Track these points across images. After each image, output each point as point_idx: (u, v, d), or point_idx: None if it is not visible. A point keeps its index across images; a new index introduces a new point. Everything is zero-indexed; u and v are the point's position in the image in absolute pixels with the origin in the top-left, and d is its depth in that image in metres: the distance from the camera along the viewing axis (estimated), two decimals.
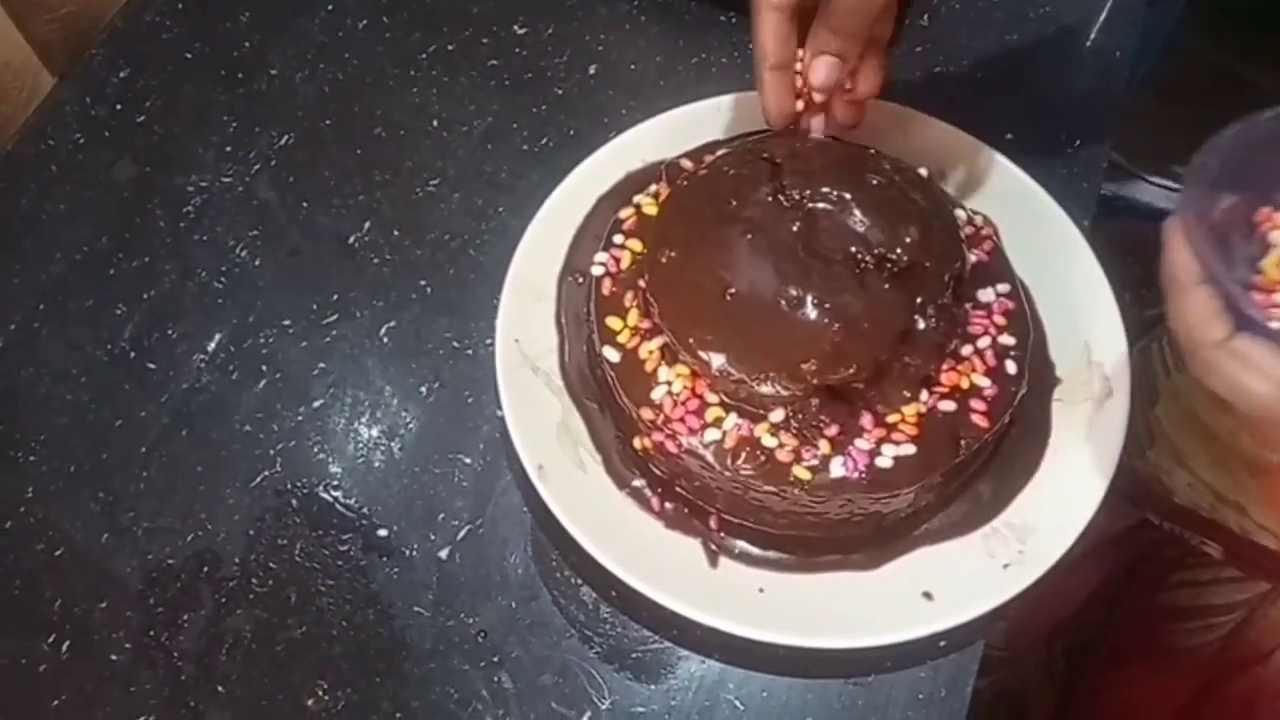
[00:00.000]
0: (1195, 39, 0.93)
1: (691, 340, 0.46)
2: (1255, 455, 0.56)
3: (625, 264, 0.51)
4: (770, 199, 0.48)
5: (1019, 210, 0.55)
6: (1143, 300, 1.00)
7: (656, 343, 0.48)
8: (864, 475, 0.45)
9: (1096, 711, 0.73)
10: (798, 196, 0.48)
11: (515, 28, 0.66)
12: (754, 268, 0.46)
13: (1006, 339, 0.49)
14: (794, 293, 0.46)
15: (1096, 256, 0.55)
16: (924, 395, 0.47)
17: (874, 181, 0.48)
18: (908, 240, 0.46)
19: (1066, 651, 0.80)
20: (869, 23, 0.45)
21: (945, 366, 0.48)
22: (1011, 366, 0.49)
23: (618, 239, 0.52)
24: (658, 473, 0.49)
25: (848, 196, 0.47)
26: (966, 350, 0.48)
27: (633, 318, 0.49)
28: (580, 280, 0.53)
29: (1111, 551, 0.72)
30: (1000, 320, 0.50)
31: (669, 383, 0.47)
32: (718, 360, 0.45)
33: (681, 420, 0.46)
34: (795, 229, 0.47)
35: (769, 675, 0.48)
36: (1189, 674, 0.68)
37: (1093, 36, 0.67)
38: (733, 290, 0.46)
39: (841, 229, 0.47)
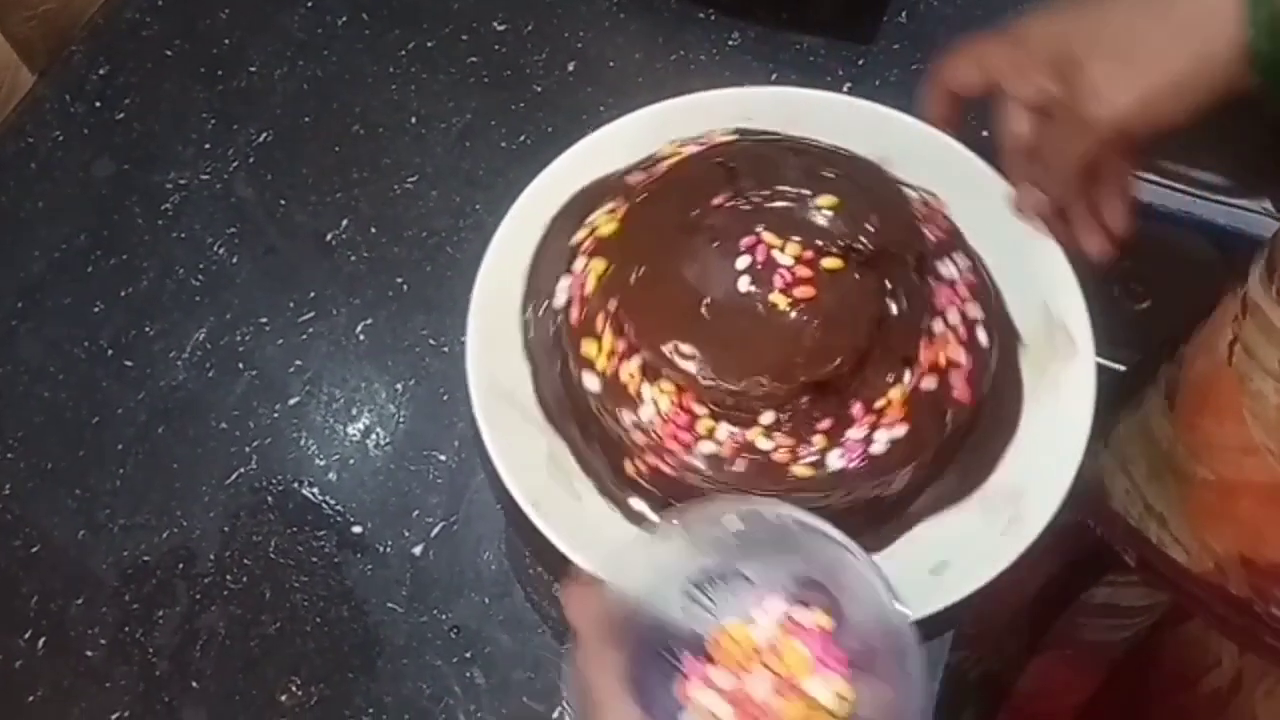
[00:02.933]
0: None
1: (674, 355, 0.45)
2: (1186, 466, 0.57)
3: (590, 287, 0.50)
4: (730, 204, 0.48)
5: (967, 185, 0.55)
6: (1133, 295, 1.01)
7: (635, 363, 0.47)
8: (862, 463, 0.46)
9: (1011, 694, 0.73)
10: (757, 199, 0.48)
11: (495, 25, 0.66)
12: (725, 273, 0.46)
13: (973, 310, 0.49)
14: (768, 293, 0.46)
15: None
16: (906, 376, 0.47)
17: (828, 175, 0.48)
18: (869, 228, 0.46)
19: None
20: (1075, 177, 0.48)
21: (922, 345, 0.48)
22: (983, 336, 0.49)
23: (578, 263, 0.51)
24: (652, 490, 0.49)
25: (805, 193, 0.48)
26: (938, 327, 0.48)
27: (607, 341, 0.48)
28: (545, 307, 0.52)
29: (1070, 542, 0.73)
30: (965, 292, 0.50)
31: (655, 401, 0.47)
32: (704, 371, 0.45)
33: (674, 438, 0.46)
34: (760, 230, 0.47)
35: None
36: (1094, 670, 0.68)
37: None
38: (707, 300, 0.46)
39: (804, 225, 0.47)
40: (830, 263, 0.47)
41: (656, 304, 0.47)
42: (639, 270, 0.47)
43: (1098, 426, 0.50)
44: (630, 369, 0.47)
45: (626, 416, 0.47)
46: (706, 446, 0.46)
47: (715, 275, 0.46)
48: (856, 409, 0.46)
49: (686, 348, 0.46)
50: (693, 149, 0.52)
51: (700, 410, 0.46)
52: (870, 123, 0.56)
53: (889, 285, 0.47)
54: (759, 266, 0.47)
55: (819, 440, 0.46)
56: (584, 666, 0.36)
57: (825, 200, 0.47)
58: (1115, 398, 0.74)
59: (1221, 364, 0.53)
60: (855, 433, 0.46)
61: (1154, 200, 0.96)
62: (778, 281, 0.46)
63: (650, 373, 0.47)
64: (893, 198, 0.49)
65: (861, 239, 0.46)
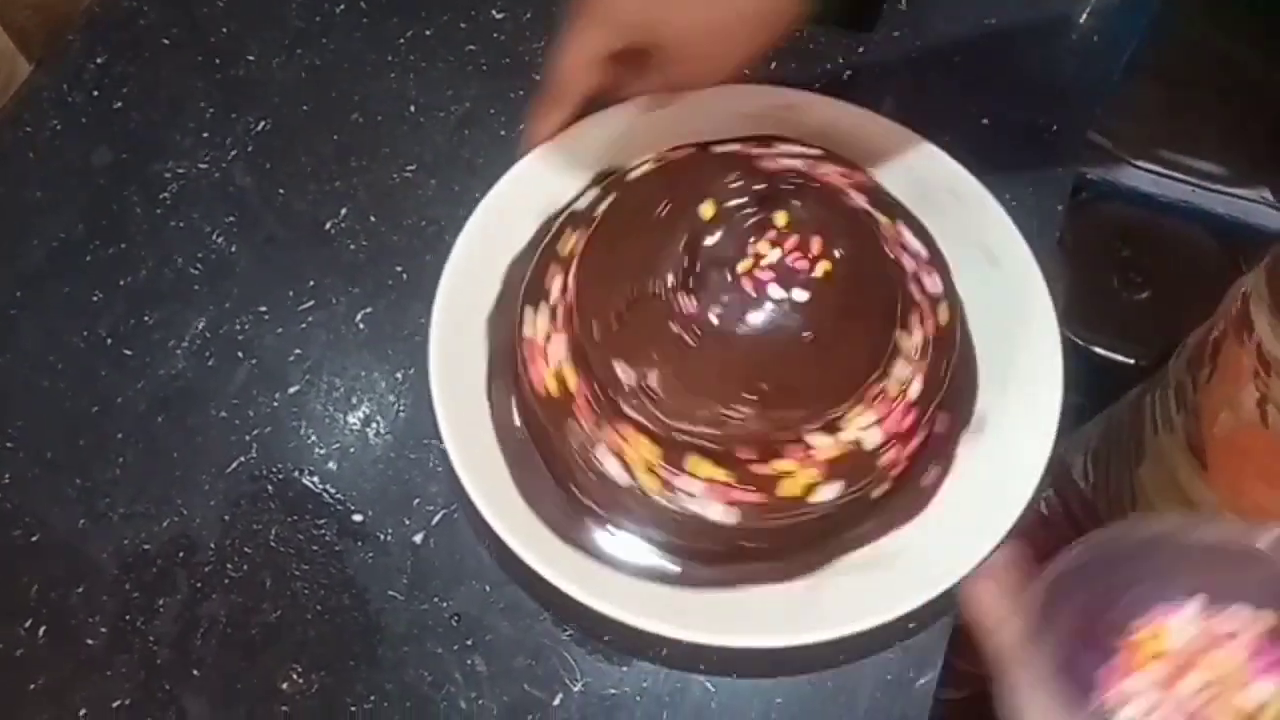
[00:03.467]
0: (1183, 23, 0.93)
1: (683, 430, 0.45)
2: None
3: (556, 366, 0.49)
4: (699, 254, 0.47)
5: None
6: (1132, 285, 1.01)
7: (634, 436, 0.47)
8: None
9: None
10: (730, 252, 0.47)
11: (493, 13, 0.66)
12: (712, 324, 0.46)
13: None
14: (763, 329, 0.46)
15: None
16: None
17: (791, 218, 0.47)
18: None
19: None
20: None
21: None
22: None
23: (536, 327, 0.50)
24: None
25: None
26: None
27: (588, 424, 0.48)
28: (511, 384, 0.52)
29: None
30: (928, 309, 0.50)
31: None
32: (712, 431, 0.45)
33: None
34: (737, 276, 0.46)
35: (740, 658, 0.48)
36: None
37: (1082, 20, 0.67)
38: (693, 344, 0.46)
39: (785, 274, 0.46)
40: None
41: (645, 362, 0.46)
42: (610, 327, 0.47)
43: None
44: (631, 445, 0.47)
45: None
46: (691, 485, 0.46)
47: (702, 325, 0.46)
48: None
49: (700, 416, 0.45)
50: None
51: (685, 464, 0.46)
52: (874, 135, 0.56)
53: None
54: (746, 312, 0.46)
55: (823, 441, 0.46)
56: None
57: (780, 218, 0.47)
58: (1114, 388, 0.73)
59: (1254, 425, 0.51)
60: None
61: (1153, 190, 0.96)
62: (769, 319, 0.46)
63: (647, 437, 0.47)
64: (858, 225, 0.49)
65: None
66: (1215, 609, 0.36)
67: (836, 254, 0.47)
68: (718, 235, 0.47)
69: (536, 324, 0.50)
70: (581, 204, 0.55)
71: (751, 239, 0.47)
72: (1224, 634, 0.35)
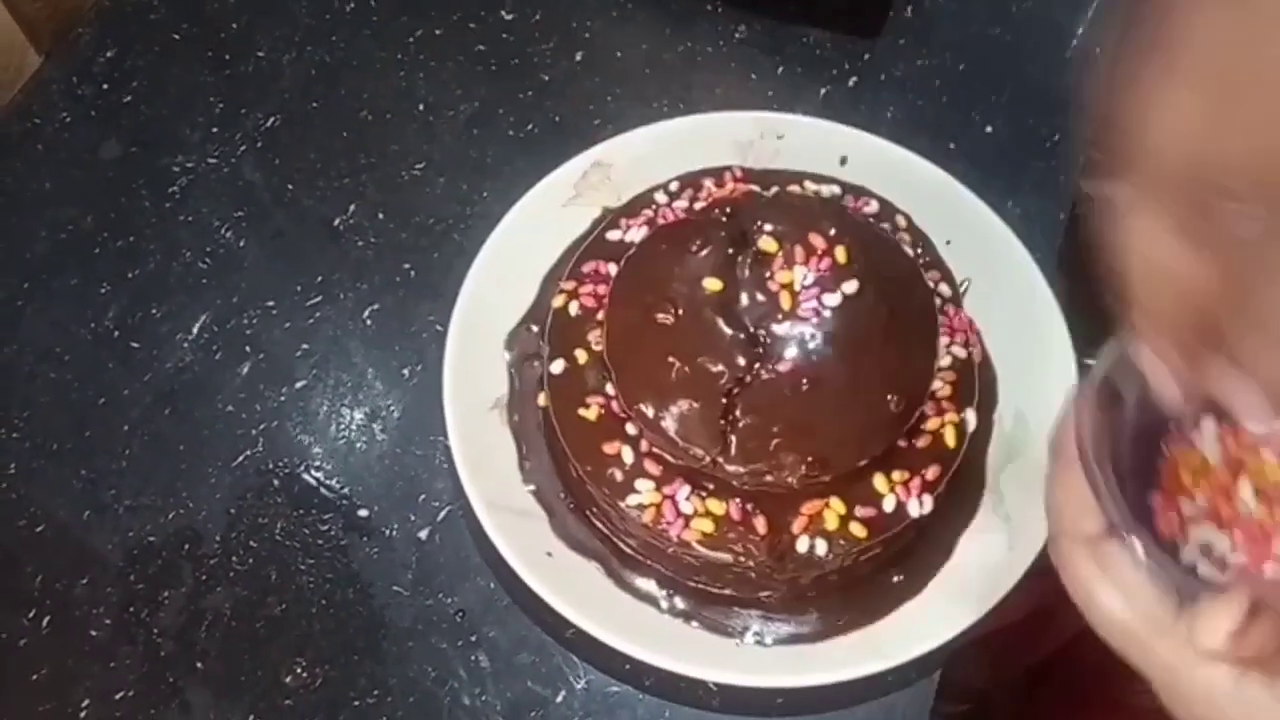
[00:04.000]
0: None
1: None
2: None
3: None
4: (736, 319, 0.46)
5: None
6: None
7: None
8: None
9: None
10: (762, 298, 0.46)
11: (503, 13, 0.66)
12: (752, 374, 0.45)
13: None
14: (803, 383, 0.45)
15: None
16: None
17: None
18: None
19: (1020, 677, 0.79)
20: None
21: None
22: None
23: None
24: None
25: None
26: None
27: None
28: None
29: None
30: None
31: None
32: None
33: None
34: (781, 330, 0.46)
35: None
36: None
37: (1081, 30, 0.67)
38: (735, 390, 0.45)
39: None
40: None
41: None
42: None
43: None
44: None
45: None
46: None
47: (743, 377, 0.45)
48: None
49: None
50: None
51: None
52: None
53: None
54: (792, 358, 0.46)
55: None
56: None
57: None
58: None
59: None
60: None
61: None
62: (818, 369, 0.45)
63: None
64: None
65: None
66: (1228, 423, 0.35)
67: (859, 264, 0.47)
68: (740, 296, 0.46)
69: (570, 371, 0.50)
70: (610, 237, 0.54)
71: (767, 275, 0.46)
72: (1250, 443, 0.34)
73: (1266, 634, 0.30)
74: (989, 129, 0.62)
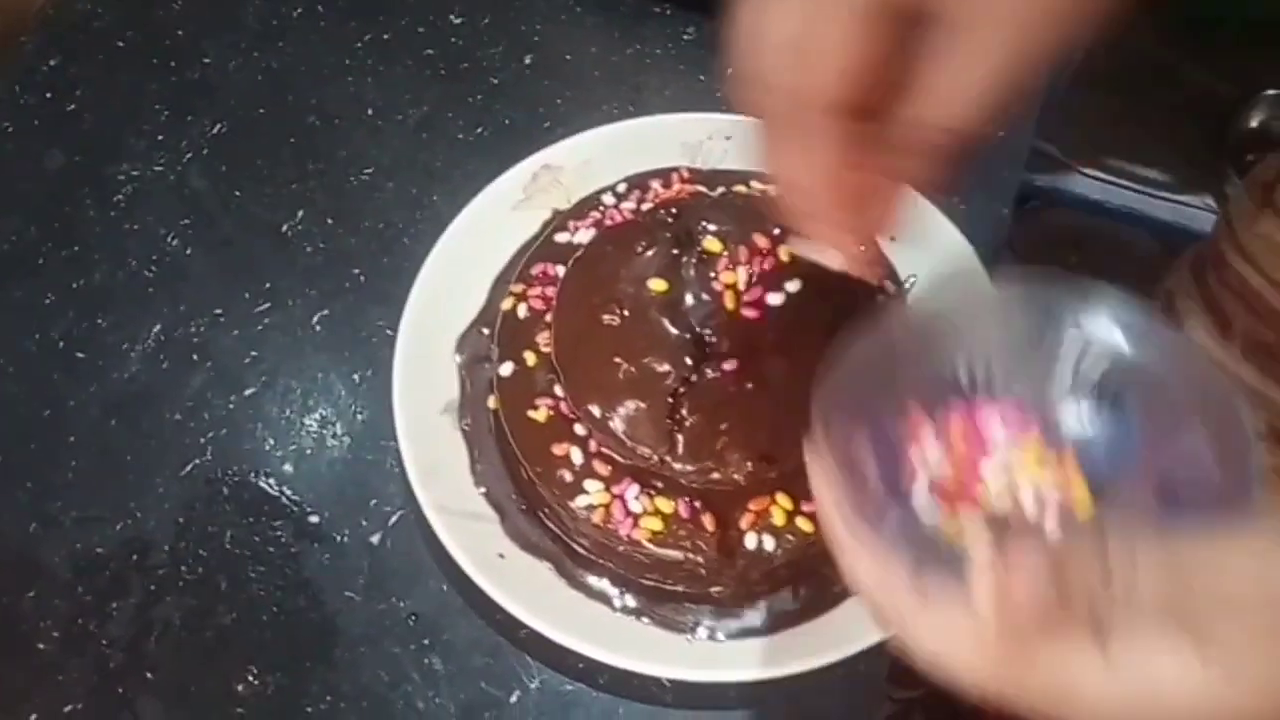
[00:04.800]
0: (1129, 32, 0.95)
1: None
2: None
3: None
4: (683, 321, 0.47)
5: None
6: None
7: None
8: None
9: None
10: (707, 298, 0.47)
11: (451, 17, 0.66)
12: (698, 374, 0.46)
13: None
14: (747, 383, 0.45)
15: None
16: None
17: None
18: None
19: None
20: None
21: None
22: None
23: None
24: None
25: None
26: None
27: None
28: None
29: None
30: None
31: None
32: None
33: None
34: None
35: None
36: None
37: None
38: (682, 390, 0.45)
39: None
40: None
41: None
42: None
43: None
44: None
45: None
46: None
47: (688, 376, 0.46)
48: None
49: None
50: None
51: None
52: None
53: None
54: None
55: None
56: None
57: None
58: None
59: None
60: None
61: (1100, 196, 0.99)
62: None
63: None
64: None
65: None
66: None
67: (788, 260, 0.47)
68: (685, 296, 0.47)
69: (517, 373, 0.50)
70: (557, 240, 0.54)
71: (712, 275, 0.47)
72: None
73: (1031, 583, 0.27)
74: None
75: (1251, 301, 0.48)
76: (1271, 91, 0.88)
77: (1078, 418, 0.36)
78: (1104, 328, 0.35)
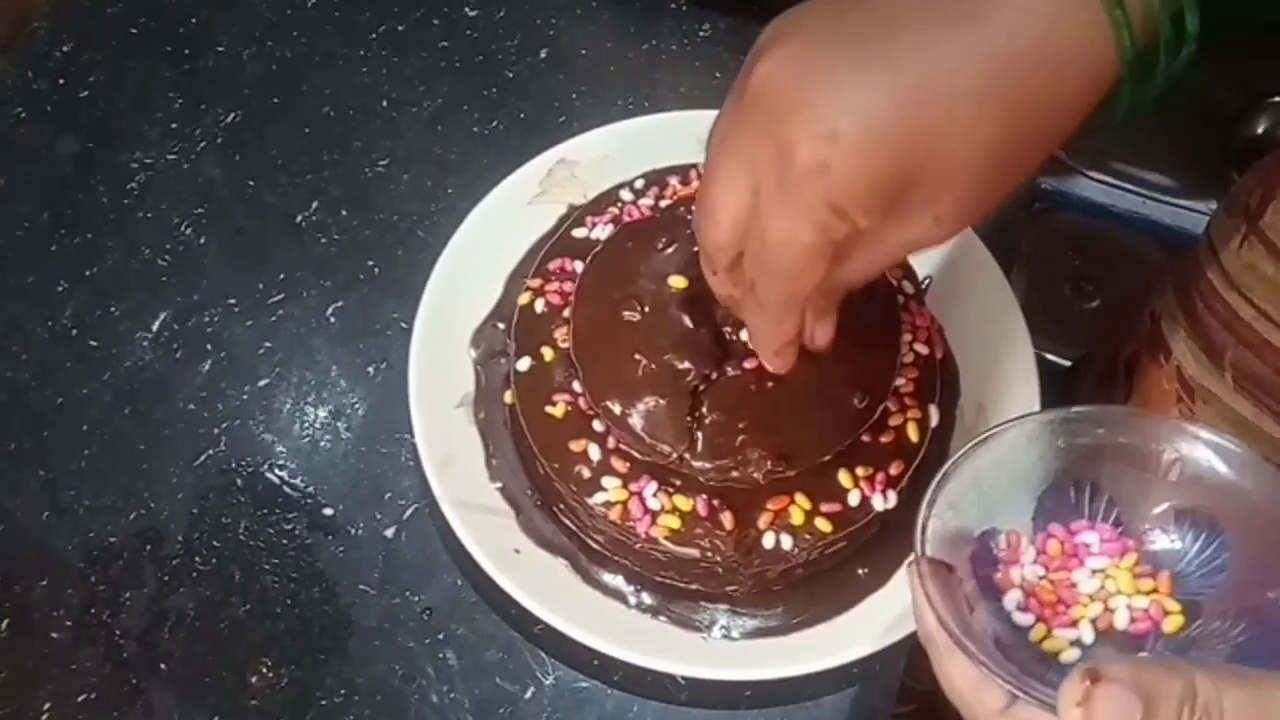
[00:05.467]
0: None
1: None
2: None
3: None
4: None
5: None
6: (1083, 294, 1.03)
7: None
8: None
9: None
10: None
11: (466, 10, 0.66)
12: (718, 371, 0.46)
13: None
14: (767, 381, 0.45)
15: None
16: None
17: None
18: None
19: None
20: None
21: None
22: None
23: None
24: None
25: None
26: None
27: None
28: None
29: None
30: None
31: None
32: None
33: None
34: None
35: None
36: None
37: None
38: (701, 387, 0.45)
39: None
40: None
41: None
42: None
43: None
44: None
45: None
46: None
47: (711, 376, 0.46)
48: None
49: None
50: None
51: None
52: None
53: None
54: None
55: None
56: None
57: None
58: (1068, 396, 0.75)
59: None
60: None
61: (1106, 200, 0.99)
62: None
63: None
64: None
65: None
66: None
67: None
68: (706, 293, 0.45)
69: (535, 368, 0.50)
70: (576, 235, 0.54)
71: None
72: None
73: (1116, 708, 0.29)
74: None
75: (1242, 333, 0.47)
76: (1277, 99, 0.88)
77: (1175, 540, 0.38)
78: (1203, 455, 0.38)
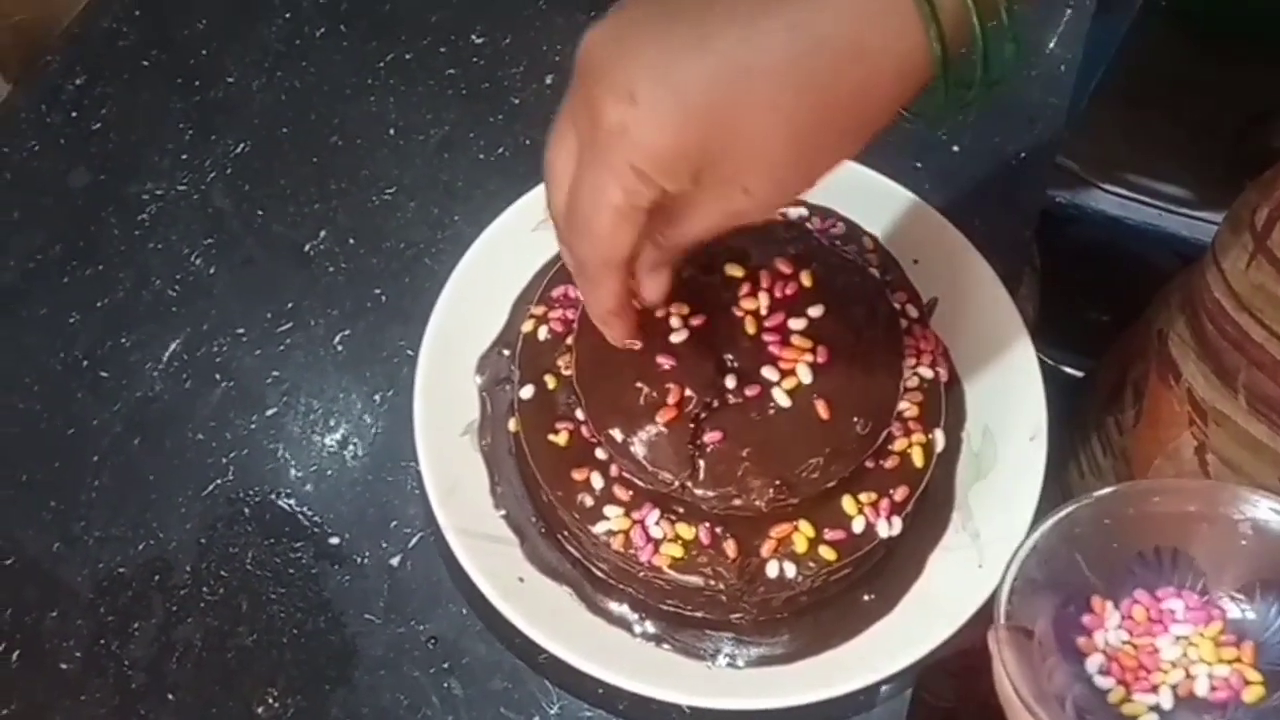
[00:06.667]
0: (1149, 46, 0.95)
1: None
2: None
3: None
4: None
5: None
6: (1098, 306, 1.02)
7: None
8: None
9: None
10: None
11: (473, 37, 0.67)
12: (719, 399, 0.45)
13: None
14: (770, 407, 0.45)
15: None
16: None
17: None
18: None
19: None
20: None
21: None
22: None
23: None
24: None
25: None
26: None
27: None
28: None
29: None
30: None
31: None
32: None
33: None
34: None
35: None
36: None
37: (1050, 49, 0.68)
38: (703, 415, 0.45)
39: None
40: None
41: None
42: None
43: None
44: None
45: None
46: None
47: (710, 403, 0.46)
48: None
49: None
50: None
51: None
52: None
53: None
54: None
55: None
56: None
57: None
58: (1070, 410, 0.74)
59: (1196, 475, 0.51)
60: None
61: (1120, 213, 0.98)
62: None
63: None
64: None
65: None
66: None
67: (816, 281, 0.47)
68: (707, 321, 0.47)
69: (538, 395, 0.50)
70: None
71: (733, 301, 0.47)
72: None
73: None
74: (955, 148, 0.62)
75: (1254, 354, 0.47)
76: None
77: (1259, 610, 0.39)
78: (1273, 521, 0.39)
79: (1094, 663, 0.38)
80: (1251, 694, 0.37)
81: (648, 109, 0.32)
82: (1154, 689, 0.38)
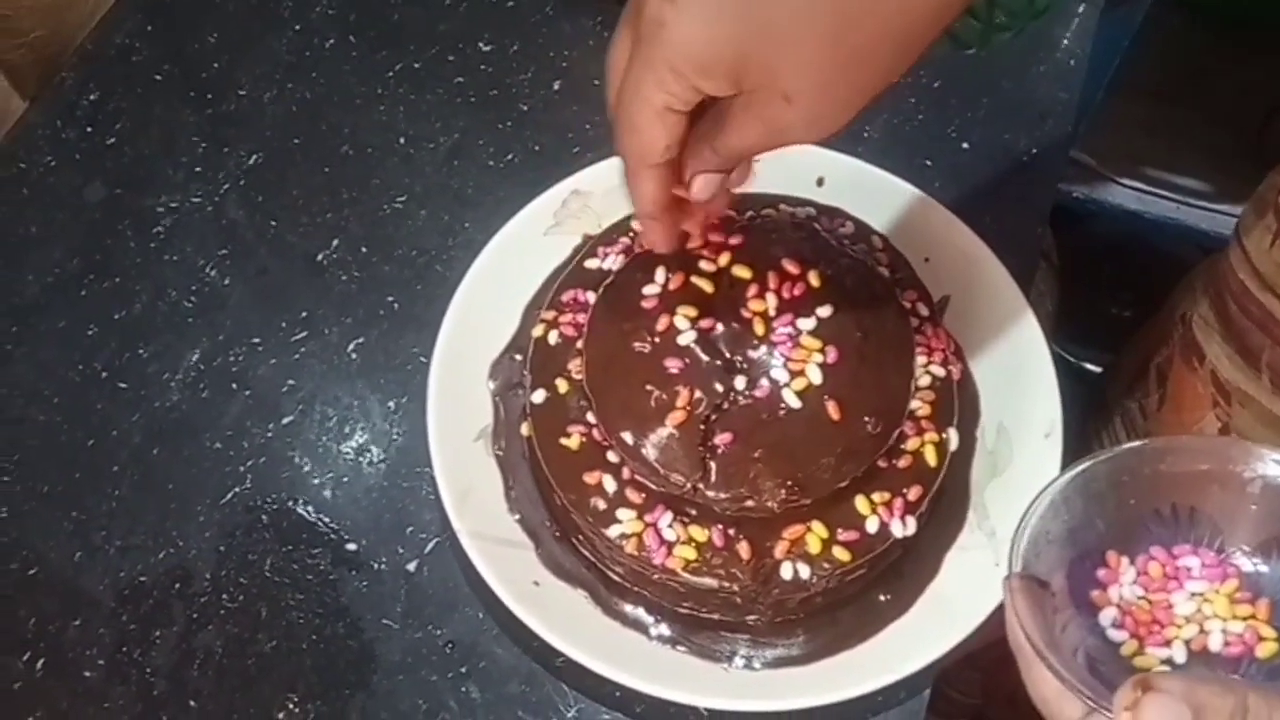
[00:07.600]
0: (1165, 38, 0.94)
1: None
2: None
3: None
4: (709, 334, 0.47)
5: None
6: (1119, 301, 1.01)
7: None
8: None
9: None
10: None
11: (481, 45, 0.67)
12: (730, 400, 0.46)
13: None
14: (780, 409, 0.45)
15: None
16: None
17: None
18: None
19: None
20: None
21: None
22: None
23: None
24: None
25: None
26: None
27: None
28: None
29: None
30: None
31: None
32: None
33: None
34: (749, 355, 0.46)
35: None
36: None
37: (1064, 43, 0.68)
38: (714, 416, 0.45)
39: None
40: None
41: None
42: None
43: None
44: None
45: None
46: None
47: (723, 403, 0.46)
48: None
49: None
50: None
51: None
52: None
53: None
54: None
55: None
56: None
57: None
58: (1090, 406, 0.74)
59: None
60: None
61: (1139, 207, 0.97)
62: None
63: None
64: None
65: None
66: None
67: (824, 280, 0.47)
68: (716, 323, 0.47)
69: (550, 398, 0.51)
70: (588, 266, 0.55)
71: (742, 302, 0.47)
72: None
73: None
74: (965, 145, 0.62)
75: (1278, 333, 0.47)
76: None
77: (1277, 569, 0.39)
78: None
79: (1107, 615, 0.38)
80: (1265, 650, 0.37)
81: (685, 6, 0.33)
82: (1167, 643, 0.38)
